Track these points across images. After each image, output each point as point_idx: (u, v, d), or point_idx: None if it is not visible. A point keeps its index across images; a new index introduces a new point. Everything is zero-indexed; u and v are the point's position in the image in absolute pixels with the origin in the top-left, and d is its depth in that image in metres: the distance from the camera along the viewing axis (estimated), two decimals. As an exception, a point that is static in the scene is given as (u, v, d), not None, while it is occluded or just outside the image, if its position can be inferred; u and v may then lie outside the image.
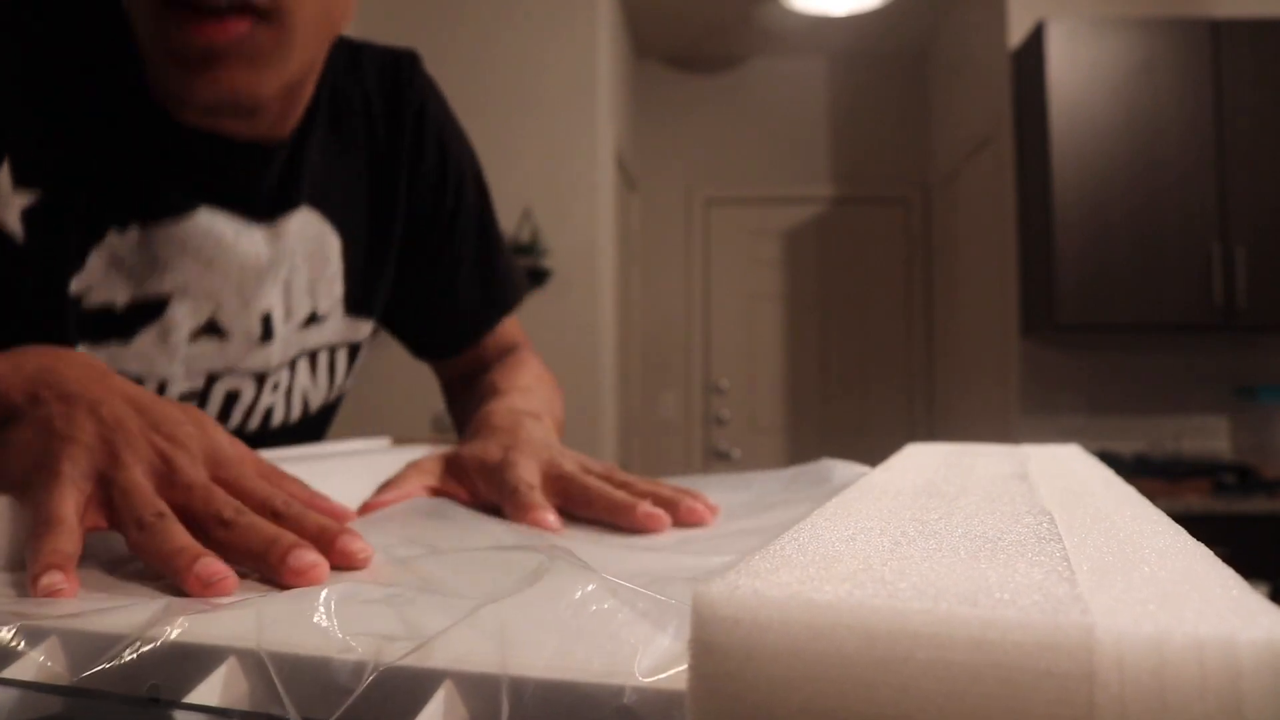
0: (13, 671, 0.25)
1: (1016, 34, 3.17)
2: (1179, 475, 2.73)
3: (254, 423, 0.71)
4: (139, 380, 0.61)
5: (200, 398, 0.66)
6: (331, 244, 0.72)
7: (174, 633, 0.26)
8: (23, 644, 0.26)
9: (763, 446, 4.28)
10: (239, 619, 0.26)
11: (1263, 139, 2.83)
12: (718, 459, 4.28)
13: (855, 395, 4.28)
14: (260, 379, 0.70)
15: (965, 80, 3.74)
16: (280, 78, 0.57)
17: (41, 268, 0.56)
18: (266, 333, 0.68)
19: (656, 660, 0.23)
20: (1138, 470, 2.82)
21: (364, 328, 0.78)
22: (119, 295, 0.60)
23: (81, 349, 0.58)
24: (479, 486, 0.56)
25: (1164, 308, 2.84)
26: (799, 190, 4.33)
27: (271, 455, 0.58)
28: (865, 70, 4.32)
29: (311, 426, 0.79)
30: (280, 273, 0.68)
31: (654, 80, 4.29)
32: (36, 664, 0.26)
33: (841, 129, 4.32)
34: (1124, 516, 0.27)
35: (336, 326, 0.75)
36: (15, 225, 0.55)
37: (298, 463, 0.56)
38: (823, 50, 4.26)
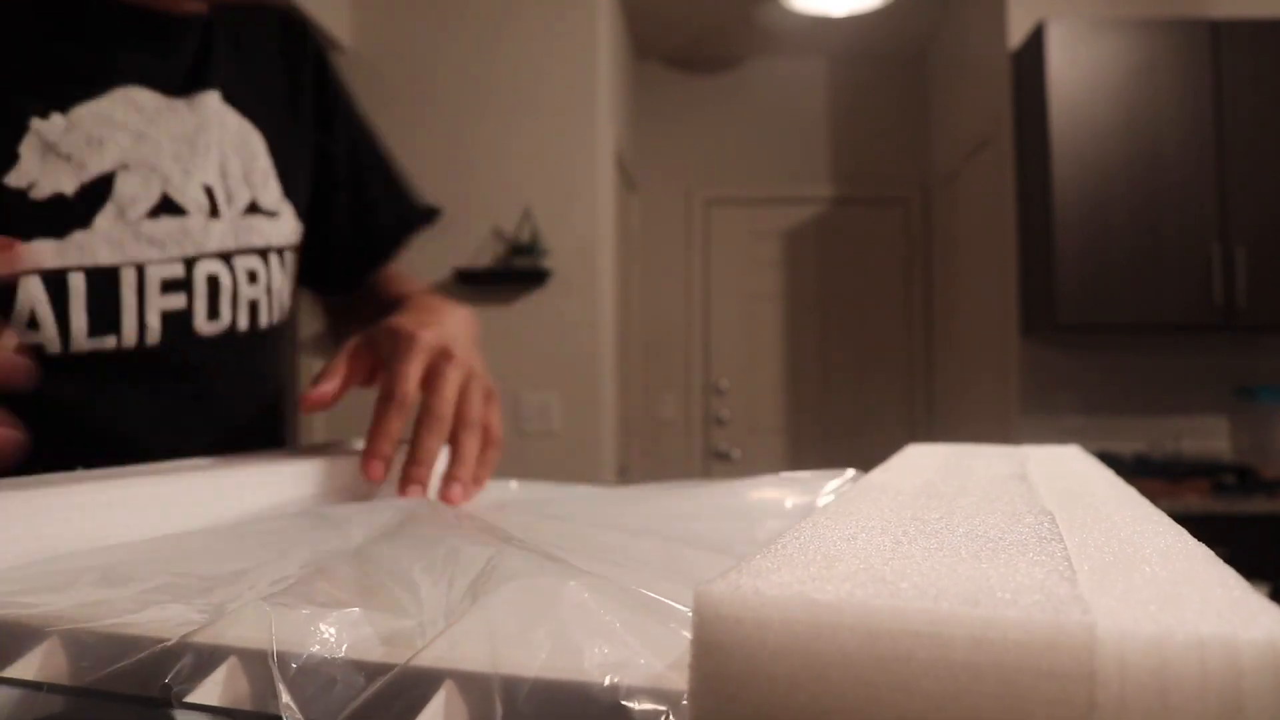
0: (18, 670, 0.25)
1: (1016, 34, 3.17)
2: (1179, 475, 2.73)
3: (243, 319, 0.71)
4: (114, 270, 0.61)
5: (185, 286, 0.66)
6: (254, 139, 0.73)
7: (188, 636, 0.26)
8: (28, 643, 0.26)
9: (763, 447, 4.28)
10: (245, 621, 0.26)
11: (1263, 139, 2.83)
12: (718, 459, 4.28)
13: (855, 395, 4.28)
14: (228, 261, 0.69)
15: (965, 80, 3.74)
16: None
17: None
18: (213, 208, 0.68)
19: (651, 660, 0.23)
20: (1137, 470, 2.82)
21: (299, 229, 0.78)
22: (66, 183, 0.59)
23: (46, 244, 0.58)
24: (380, 351, 0.60)
25: (1164, 308, 2.84)
26: (799, 190, 4.32)
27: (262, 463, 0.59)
28: (865, 70, 4.32)
29: (277, 341, 0.78)
30: (210, 148, 0.69)
31: (654, 80, 4.29)
32: (40, 664, 0.26)
33: (841, 129, 4.32)
34: (1125, 517, 0.27)
35: (288, 228, 0.76)
36: None
37: (300, 462, 0.56)
38: (823, 50, 4.26)
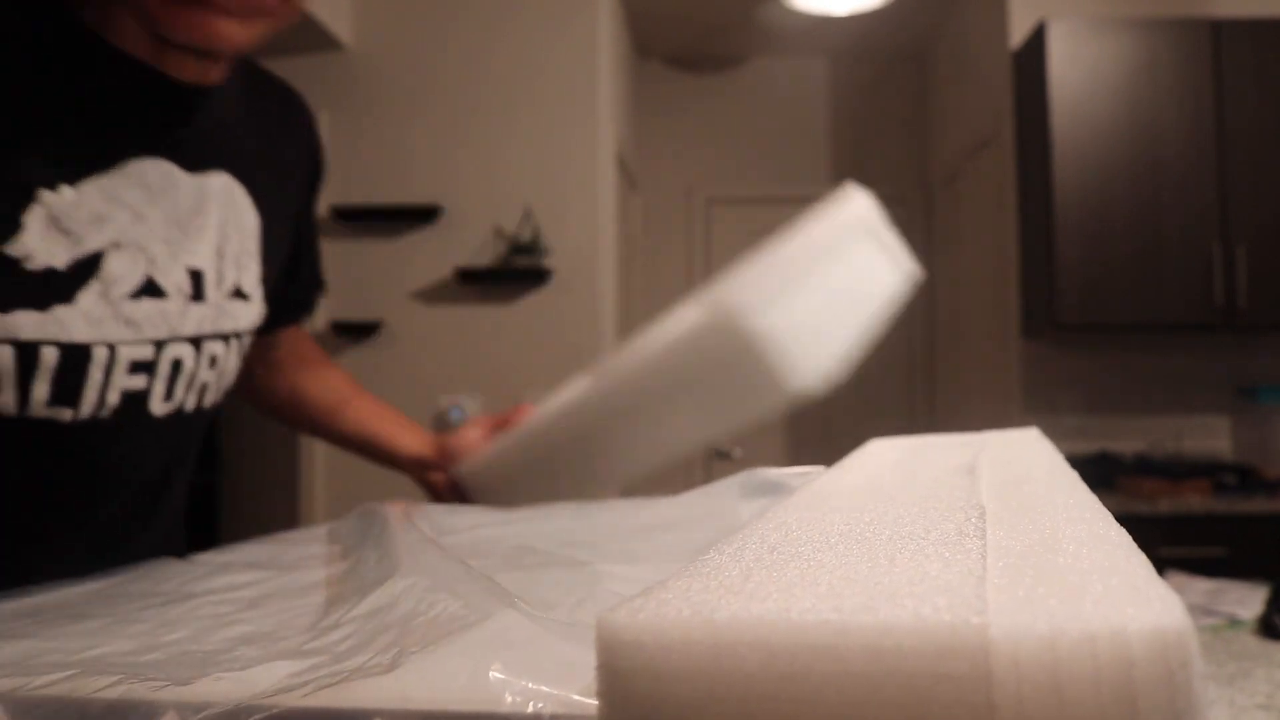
0: None
1: (1017, 34, 3.17)
2: (1180, 475, 2.73)
3: (191, 401, 0.70)
4: (85, 348, 0.59)
5: (151, 368, 0.65)
6: (250, 219, 0.73)
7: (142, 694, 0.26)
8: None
9: (763, 445, 4.27)
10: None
11: (1263, 139, 2.82)
12: (718, 458, 4.28)
13: (855, 395, 4.27)
14: (197, 345, 0.68)
15: (966, 80, 3.74)
16: (263, 31, 0.58)
17: None
18: (198, 291, 0.67)
19: (568, 684, 0.23)
20: (1138, 470, 2.82)
21: (263, 311, 0.77)
22: (60, 258, 0.58)
23: (27, 315, 0.56)
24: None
25: (1164, 308, 2.83)
26: (800, 190, 4.31)
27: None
28: (866, 70, 4.31)
29: (208, 420, 0.76)
30: (206, 230, 0.68)
31: (655, 80, 4.29)
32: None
33: (842, 129, 4.32)
34: (1054, 505, 0.27)
35: (255, 311, 0.75)
36: None
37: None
38: (823, 50, 4.25)
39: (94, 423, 0.62)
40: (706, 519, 0.46)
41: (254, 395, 0.97)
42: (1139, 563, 0.20)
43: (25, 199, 0.56)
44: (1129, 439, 3.14)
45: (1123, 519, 0.28)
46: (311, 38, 3.00)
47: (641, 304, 4.20)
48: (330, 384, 0.98)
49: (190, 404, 0.70)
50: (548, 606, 0.31)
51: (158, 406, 0.66)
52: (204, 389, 0.71)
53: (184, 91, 0.63)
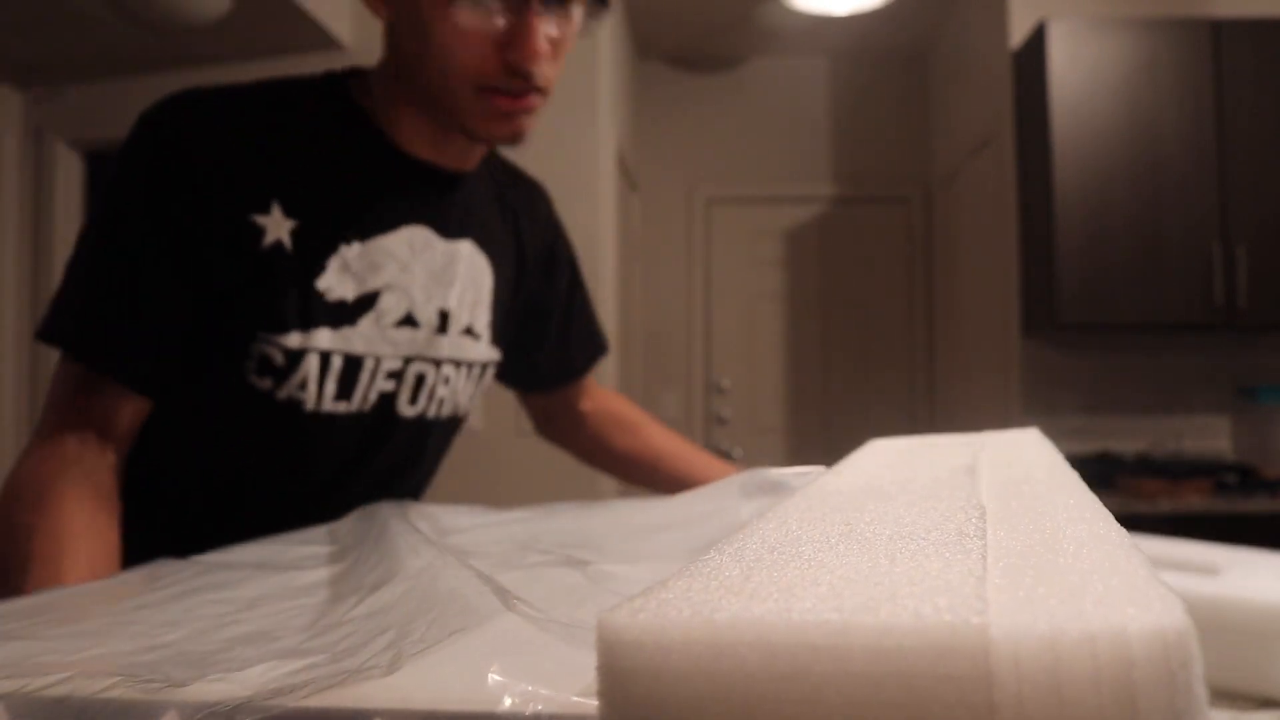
0: None
1: (1018, 34, 3.17)
2: (1180, 475, 2.73)
3: (432, 409, 0.91)
4: (360, 358, 0.83)
5: (399, 376, 0.87)
6: (485, 277, 0.94)
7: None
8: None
9: (764, 446, 4.27)
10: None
11: (1263, 139, 2.82)
12: (719, 458, 4.28)
13: (856, 395, 4.28)
14: (437, 365, 0.89)
15: (966, 80, 3.74)
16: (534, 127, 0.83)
17: (300, 271, 0.79)
18: (443, 326, 0.89)
19: (568, 686, 0.23)
20: (1139, 470, 2.82)
21: (496, 355, 0.98)
22: (349, 292, 0.81)
23: (325, 331, 0.80)
24: None
25: (1165, 307, 2.83)
26: (800, 190, 4.32)
27: None
28: (866, 70, 4.31)
29: (448, 432, 0.98)
30: (454, 282, 0.89)
31: (655, 80, 4.28)
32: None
33: (842, 129, 4.32)
34: (1055, 505, 0.27)
35: (484, 349, 0.95)
36: (287, 241, 0.78)
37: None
38: (824, 50, 4.25)
39: (359, 416, 0.85)
40: (706, 519, 0.46)
41: (567, 442, 1.24)
42: (1139, 563, 0.20)
43: (331, 250, 0.80)
44: (1130, 439, 3.14)
45: (1123, 519, 0.28)
46: (311, 38, 2.99)
47: (642, 304, 4.20)
48: (646, 440, 1.22)
49: (432, 412, 0.91)
50: (548, 606, 0.31)
51: (404, 409, 0.88)
52: (441, 402, 0.92)
53: (446, 176, 0.87)
